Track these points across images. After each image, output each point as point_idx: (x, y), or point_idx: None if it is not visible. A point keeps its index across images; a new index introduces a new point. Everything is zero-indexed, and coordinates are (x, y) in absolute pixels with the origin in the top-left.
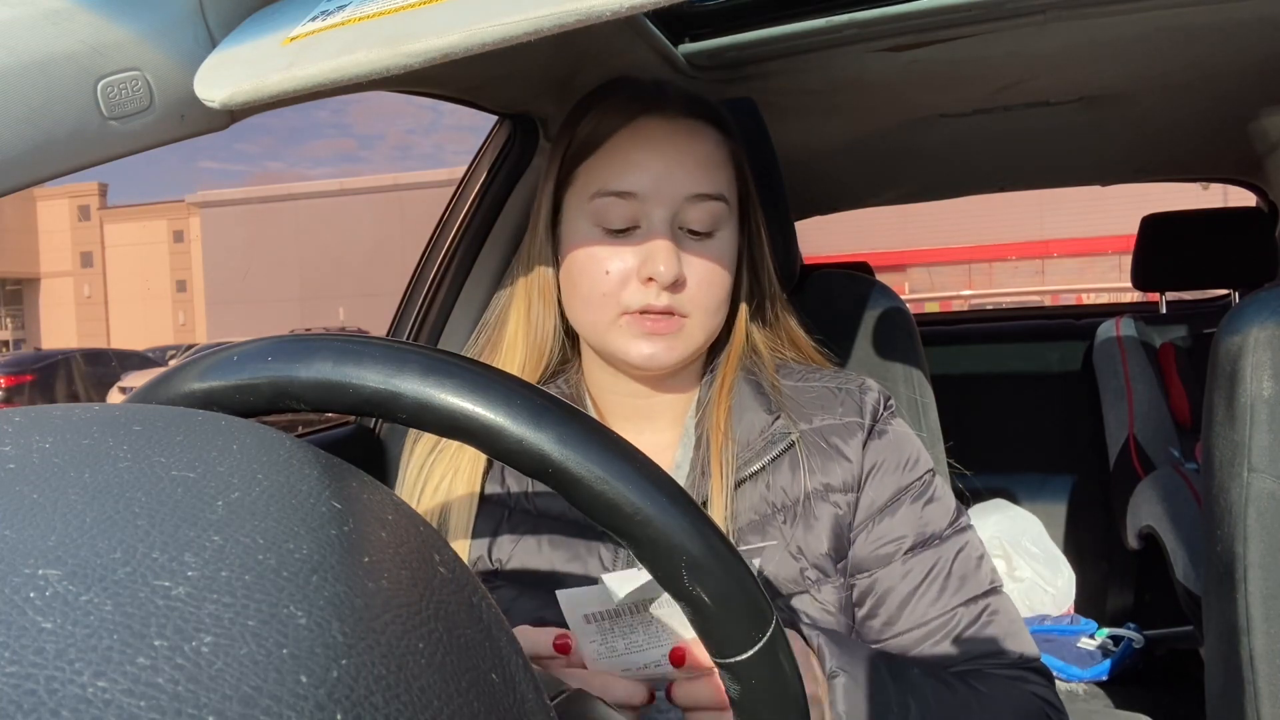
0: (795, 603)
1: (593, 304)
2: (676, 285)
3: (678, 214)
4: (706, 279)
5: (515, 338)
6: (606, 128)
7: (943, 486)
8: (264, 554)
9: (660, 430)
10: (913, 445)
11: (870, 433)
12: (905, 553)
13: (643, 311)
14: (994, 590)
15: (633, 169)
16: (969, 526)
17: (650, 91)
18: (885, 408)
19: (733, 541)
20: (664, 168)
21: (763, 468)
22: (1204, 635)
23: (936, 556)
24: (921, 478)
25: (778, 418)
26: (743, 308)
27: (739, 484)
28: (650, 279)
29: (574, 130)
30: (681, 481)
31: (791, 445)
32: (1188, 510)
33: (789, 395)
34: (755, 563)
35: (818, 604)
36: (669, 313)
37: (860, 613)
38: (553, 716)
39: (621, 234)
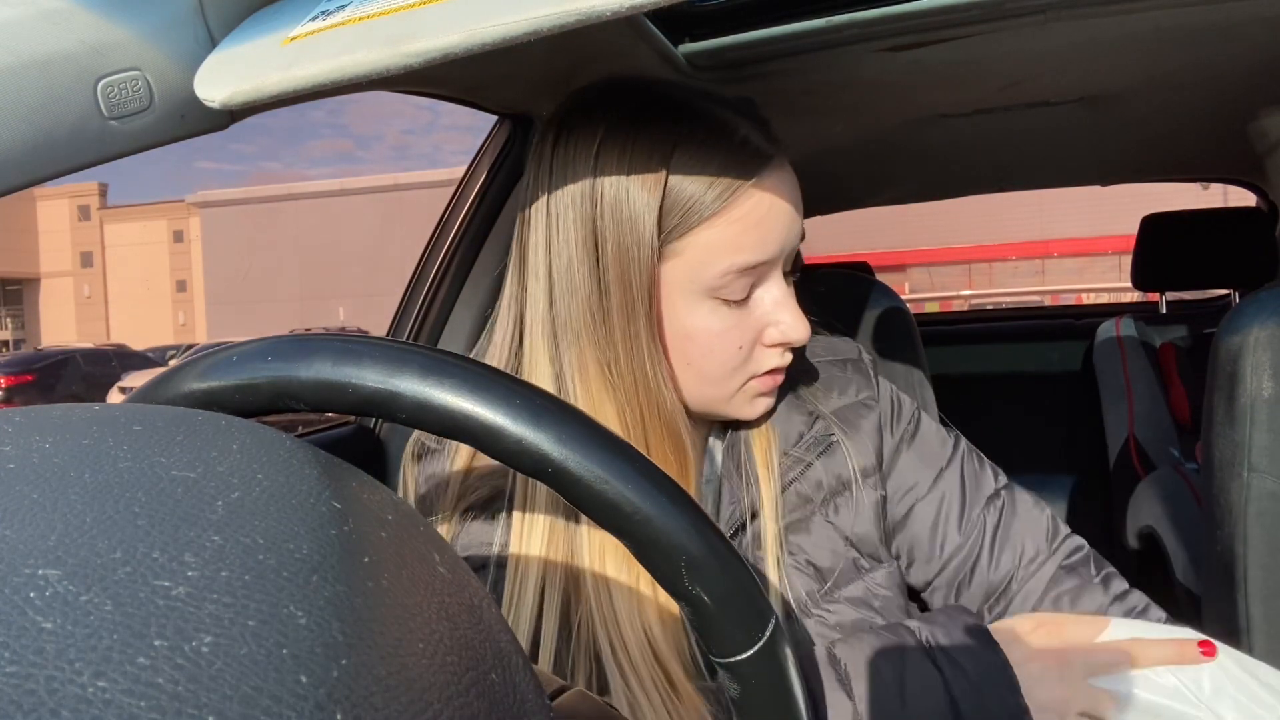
0: (850, 590)
1: (719, 381)
2: None
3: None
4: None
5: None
6: (723, 188)
7: (926, 416)
8: (264, 554)
9: None
10: (890, 388)
11: (877, 402)
12: (929, 489)
13: (769, 372)
14: (1006, 487)
15: (768, 237)
16: (959, 437)
17: (760, 134)
18: (872, 360)
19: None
20: (786, 226)
21: (807, 466)
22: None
23: (949, 477)
24: (911, 416)
25: (817, 418)
26: None
27: (784, 488)
28: (785, 344)
29: (663, 186)
30: (712, 490)
31: (833, 442)
32: (1188, 510)
33: (804, 377)
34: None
35: (874, 588)
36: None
37: (915, 567)
38: (553, 716)
39: (741, 302)
